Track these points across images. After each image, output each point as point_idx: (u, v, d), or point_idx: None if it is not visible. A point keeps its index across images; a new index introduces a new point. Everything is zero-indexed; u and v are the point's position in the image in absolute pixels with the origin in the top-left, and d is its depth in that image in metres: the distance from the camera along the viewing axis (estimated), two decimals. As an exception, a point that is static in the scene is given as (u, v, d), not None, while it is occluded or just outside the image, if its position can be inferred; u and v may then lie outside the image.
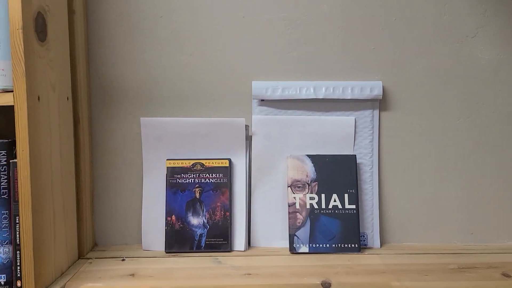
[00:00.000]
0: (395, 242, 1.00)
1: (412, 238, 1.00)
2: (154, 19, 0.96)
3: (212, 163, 0.95)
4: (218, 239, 0.94)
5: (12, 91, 0.70)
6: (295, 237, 0.93)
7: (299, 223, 0.94)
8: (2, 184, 0.76)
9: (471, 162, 0.99)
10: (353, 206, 0.94)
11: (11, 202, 0.75)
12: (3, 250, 0.76)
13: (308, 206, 0.94)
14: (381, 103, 0.98)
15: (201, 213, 0.94)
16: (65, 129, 0.85)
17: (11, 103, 0.71)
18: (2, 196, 0.76)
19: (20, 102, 0.70)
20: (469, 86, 0.98)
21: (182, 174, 0.95)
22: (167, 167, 0.95)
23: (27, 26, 0.71)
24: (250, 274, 0.83)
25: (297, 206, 0.94)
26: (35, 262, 0.73)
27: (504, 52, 0.97)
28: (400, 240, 1.00)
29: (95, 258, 0.91)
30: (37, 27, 0.74)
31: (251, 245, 0.97)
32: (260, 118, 0.97)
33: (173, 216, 0.94)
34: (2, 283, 0.76)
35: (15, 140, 0.72)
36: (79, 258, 0.91)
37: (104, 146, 0.98)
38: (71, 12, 0.88)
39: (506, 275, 0.82)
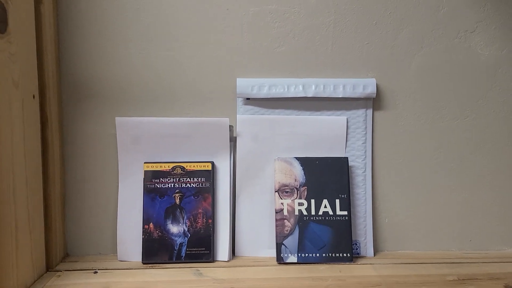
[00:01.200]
0: (389, 250, 0.94)
1: (407, 246, 0.94)
2: (130, 11, 0.88)
3: (194, 166, 0.88)
4: (200, 249, 0.87)
5: (-35, 88, 0.63)
6: (282, 246, 0.87)
7: (287, 231, 0.87)
8: (-46, 191, 0.68)
9: (469, 165, 0.93)
10: (345, 213, 0.88)
11: (-34, 211, 0.67)
12: (-43, 265, 0.69)
13: (296, 213, 0.88)
14: (374, 102, 0.91)
15: (181, 221, 0.87)
16: (31, 130, 0.78)
17: (-36, 101, 0.63)
18: (-44, 205, 0.68)
19: (-26, 100, 0.63)
20: (468, 84, 0.92)
21: (161, 179, 0.88)
22: (144, 170, 0.88)
23: (-17, 15, 0.63)
24: (233, 288, 0.76)
25: (285, 213, 0.88)
26: (-8, 278, 0.65)
27: (505, 48, 0.91)
28: (395, 247, 0.94)
29: (65, 270, 0.84)
30: (-4, 16, 0.67)
31: (235, 255, 0.90)
32: (245, 118, 0.90)
33: (151, 223, 0.87)
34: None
35: (-31, 143, 0.65)
36: (47, 270, 0.84)
37: (76, 148, 0.90)
38: (37, 2, 0.80)
39: (508, 287, 0.77)
